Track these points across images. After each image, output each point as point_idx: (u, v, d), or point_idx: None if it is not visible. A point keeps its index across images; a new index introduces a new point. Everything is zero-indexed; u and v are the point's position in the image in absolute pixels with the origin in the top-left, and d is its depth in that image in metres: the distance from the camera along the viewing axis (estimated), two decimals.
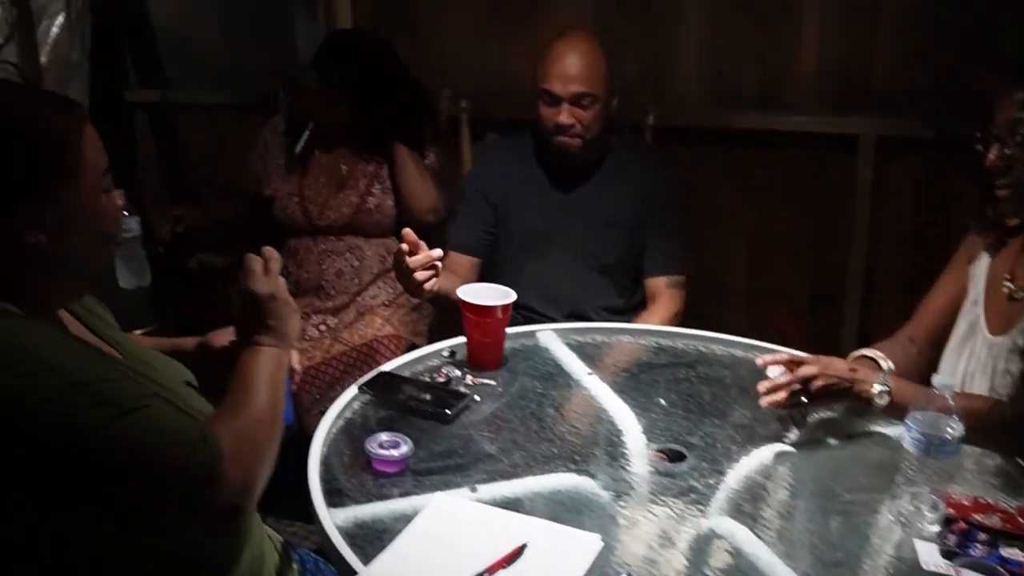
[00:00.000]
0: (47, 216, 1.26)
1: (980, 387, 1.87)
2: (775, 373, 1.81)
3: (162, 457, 1.20)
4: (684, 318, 3.30)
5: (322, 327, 2.86)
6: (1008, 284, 1.87)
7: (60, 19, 3.68)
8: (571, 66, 2.45)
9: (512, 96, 3.29)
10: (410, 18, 3.42)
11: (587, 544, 1.43)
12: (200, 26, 3.83)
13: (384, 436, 1.62)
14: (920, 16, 2.87)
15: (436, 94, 3.25)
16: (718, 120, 3.11)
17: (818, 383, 1.75)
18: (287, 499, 1.57)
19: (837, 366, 1.78)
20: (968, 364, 1.92)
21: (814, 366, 1.75)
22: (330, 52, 2.87)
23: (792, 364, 1.79)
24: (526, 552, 1.39)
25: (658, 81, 3.16)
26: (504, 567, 1.36)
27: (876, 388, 1.74)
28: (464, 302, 1.99)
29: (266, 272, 1.48)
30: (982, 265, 1.95)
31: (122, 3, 3.85)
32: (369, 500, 1.54)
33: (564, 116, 2.47)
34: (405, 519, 1.47)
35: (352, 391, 1.84)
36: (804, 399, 1.76)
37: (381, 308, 2.87)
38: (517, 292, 2.16)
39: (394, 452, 1.59)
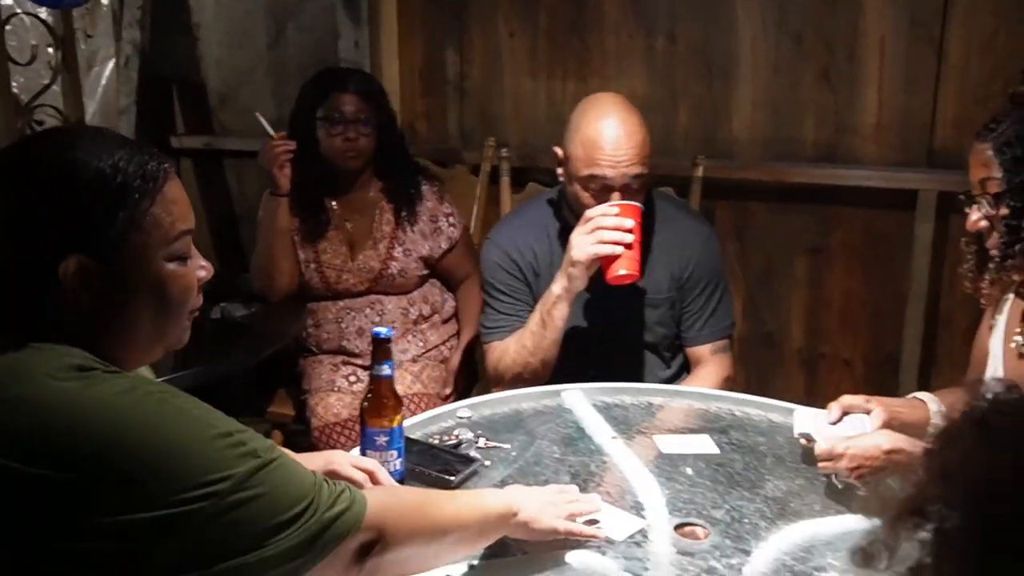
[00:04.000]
0: (97, 272, 1.15)
1: None
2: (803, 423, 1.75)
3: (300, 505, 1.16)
4: (735, 381, 3.17)
5: (352, 378, 2.78)
6: (1016, 339, 1.77)
7: (110, 65, 3.71)
8: (623, 147, 2.14)
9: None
10: (460, 68, 3.37)
11: None
12: (249, 76, 3.83)
13: None
14: (983, 70, 2.74)
15: (481, 143, 3.20)
16: (773, 173, 2.98)
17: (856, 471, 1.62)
18: None
19: (868, 451, 1.62)
20: None
21: (849, 457, 1.62)
22: (346, 79, 2.78)
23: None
24: None
25: (709, 132, 3.05)
26: None
27: None
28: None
29: None
30: (1000, 319, 1.84)
31: (171, 52, 3.88)
32: None
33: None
34: None
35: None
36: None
37: (409, 364, 2.78)
38: (555, 375, 2.19)
39: None
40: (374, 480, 1.56)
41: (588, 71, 3.18)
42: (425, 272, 2.87)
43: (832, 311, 3.05)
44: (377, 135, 2.76)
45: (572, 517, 1.51)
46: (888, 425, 1.75)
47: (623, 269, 2.08)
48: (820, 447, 1.66)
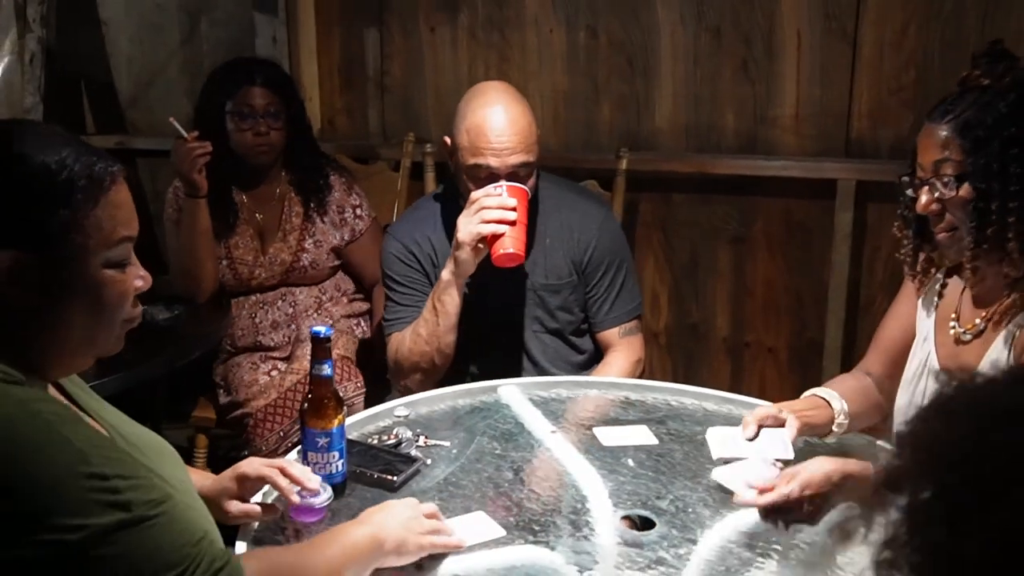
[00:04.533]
0: (32, 269, 1.13)
1: None
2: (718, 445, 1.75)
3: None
4: (663, 372, 3.18)
5: (273, 372, 2.76)
6: (954, 325, 1.79)
7: (8, 60, 3.58)
8: (507, 135, 2.14)
9: None
10: (380, 64, 3.34)
11: None
12: (161, 73, 3.72)
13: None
14: (895, 63, 2.80)
15: (401, 139, 3.17)
16: (695, 165, 3.01)
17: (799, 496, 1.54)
18: None
19: (817, 479, 1.53)
20: (922, 400, 1.80)
21: (795, 485, 1.52)
22: (254, 71, 2.74)
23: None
24: None
25: (632, 125, 3.07)
26: None
27: None
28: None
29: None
30: (930, 303, 1.86)
31: (79, 49, 3.75)
32: None
33: None
34: None
35: (292, 456, 1.70)
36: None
37: None
38: (469, 366, 2.23)
39: (314, 500, 1.47)
40: (286, 473, 1.49)
41: (509, 66, 3.17)
42: (337, 263, 2.87)
43: (756, 300, 3.10)
44: (287, 127, 2.73)
45: (432, 532, 1.46)
46: (800, 431, 1.76)
47: (509, 248, 2.08)
48: (768, 498, 1.53)
